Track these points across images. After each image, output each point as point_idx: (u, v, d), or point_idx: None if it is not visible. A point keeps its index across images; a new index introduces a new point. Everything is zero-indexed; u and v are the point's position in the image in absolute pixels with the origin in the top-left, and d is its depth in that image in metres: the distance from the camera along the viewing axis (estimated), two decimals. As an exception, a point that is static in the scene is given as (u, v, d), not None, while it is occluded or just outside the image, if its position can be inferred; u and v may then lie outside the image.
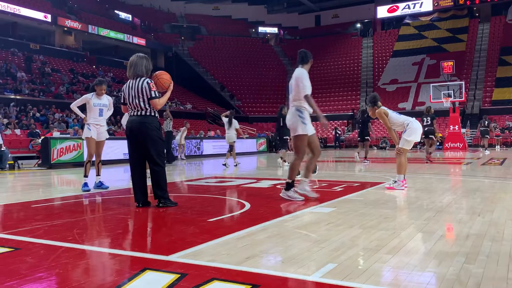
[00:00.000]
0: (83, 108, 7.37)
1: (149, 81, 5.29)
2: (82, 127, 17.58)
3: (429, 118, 13.76)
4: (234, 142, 13.83)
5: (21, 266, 2.88)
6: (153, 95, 5.23)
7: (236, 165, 13.68)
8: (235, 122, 13.63)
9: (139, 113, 5.29)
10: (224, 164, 13.36)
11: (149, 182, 5.40)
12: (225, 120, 13.82)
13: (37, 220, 4.57)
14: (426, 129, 13.43)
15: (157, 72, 5.64)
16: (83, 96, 7.35)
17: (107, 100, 7.45)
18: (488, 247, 3.23)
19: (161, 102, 5.31)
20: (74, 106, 7.39)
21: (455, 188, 6.98)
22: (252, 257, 3.03)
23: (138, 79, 5.31)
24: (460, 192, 6.38)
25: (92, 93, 7.31)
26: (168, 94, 5.51)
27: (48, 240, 3.61)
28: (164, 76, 5.52)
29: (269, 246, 3.34)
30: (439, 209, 4.90)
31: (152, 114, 5.32)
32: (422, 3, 43.90)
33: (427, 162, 13.09)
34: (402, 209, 5.12)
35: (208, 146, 21.77)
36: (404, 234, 3.71)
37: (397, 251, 3.13)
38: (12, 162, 13.60)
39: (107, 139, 7.67)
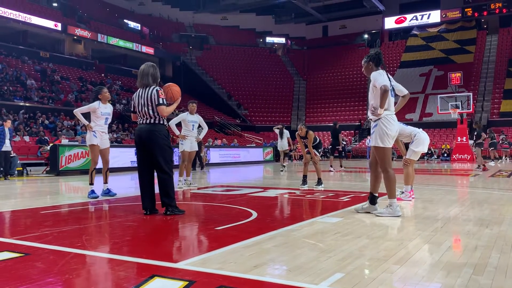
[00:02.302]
0: (85, 115, 7.40)
1: (158, 89, 5.36)
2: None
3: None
4: (286, 150, 16.28)
5: (31, 271, 2.92)
6: (161, 102, 5.30)
7: (282, 171, 14.99)
8: (286, 133, 15.78)
9: (148, 121, 5.36)
10: (283, 168, 15.44)
11: (156, 190, 5.43)
12: (277, 131, 16.16)
13: (46, 226, 4.61)
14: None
15: (169, 83, 5.72)
16: (90, 105, 7.32)
17: (110, 108, 7.52)
18: (497, 258, 3.22)
19: (167, 110, 5.36)
20: (78, 112, 7.34)
21: (462, 200, 6.95)
22: (259, 265, 3.04)
23: (147, 88, 5.39)
24: (467, 204, 6.35)
25: (98, 101, 7.33)
26: (175, 105, 5.57)
27: (57, 246, 3.64)
28: (176, 88, 5.60)
29: (276, 255, 3.35)
30: (446, 220, 4.89)
31: (161, 122, 5.39)
32: (430, 14, 43.95)
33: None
34: (409, 220, 5.11)
35: (215, 155, 21.81)
36: (411, 244, 3.70)
37: (405, 262, 3.13)
38: (21, 168, 13.71)
39: (110, 146, 7.72)
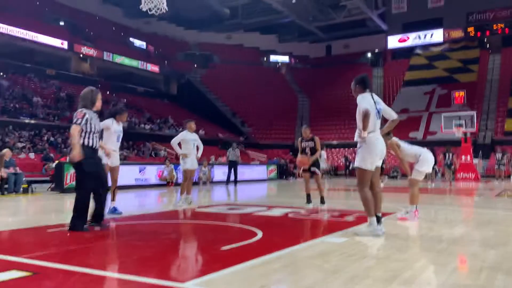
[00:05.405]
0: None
1: (79, 111, 5.65)
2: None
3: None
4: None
5: (40, 290, 2.95)
6: (73, 121, 5.61)
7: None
8: (323, 154, 17.43)
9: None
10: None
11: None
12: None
13: (54, 245, 4.64)
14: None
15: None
16: (104, 122, 7.33)
17: (121, 126, 7.60)
18: (502, 280, 3.23)
19: (73, 129, 5.54)
20: None
21: (467, 220, 6.95)
22: (266, 286, 3.06)
23: None
24: (472, 224, 6.35)
25: (112, 119, 7.42)
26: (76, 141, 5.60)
27: (66, 265, 3.66)
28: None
29: (283, 276, 3.37)
30: (451, 241, 4.89)
31: (82, 142, 5.57)
32: (432, 34, 44.29)
33: None
34: (414, 240, 5.11)
35: (219, 173, 21.82)
36: (417, 266, 3.72)
37: (411, 283, 3.15)
38: (26, 185, 13.76)
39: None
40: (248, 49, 51.64)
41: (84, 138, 5.58)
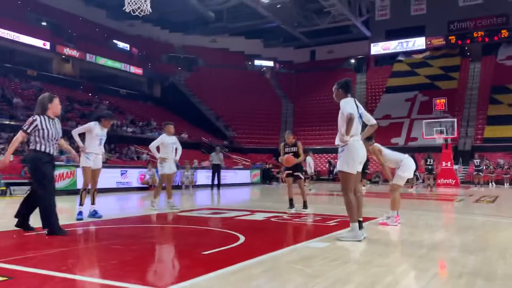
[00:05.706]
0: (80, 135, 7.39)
1: (31, 117, 5.62)
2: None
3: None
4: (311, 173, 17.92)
5: (15, 296, 2.87)
6: (22, 126, 5.65)
7: (310, 190, 15.89)
8: (308, 159, 16.94)
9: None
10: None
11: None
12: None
13: (30, 249, 4.54)
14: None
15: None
16: (87, 124, 7.37)
17: (105, 130, 7.51)
18: (482, 286, 3.26)
19: (17, 135, 5.60)
20: (75, 133, 7.33)
21: (447, 225, 7.02)
22: (247, 291, 3.03)
23: None
24: (452, 229, 6.42)
25: (96, 122, 7.34)
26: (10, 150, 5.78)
27: (42, 269, 3.58)
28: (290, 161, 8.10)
29: (264, 281, 3.35)
30: (432, 246, 4.93)
31: (32, 147, 5.60)
32: (415, 41, 44.88)
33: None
34: (395, 246, 5.14)
35: (202, 176, 21.73)
36: (398, 271, 3.73)
37: (392, 289, 3.16)
38: (4, 188, 13.50)
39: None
40: (233, 53, 51.63)
41: (37, 144, 5.52)
